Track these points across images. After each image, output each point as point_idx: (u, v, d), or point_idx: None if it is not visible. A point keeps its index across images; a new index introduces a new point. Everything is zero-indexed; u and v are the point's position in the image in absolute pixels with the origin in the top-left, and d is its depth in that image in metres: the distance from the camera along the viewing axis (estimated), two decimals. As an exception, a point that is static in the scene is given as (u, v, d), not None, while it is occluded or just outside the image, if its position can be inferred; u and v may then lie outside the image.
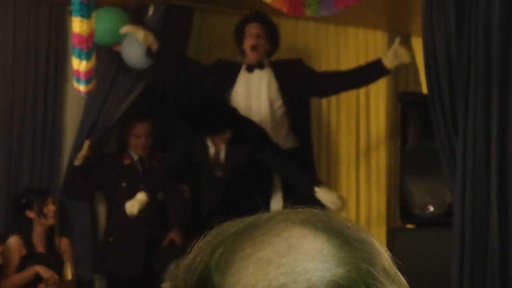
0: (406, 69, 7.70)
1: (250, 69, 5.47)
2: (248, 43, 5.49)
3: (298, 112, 5.53)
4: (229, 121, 5.20)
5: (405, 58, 5.18)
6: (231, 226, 0.89)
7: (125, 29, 5.54)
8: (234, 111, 5.28)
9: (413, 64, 7.60)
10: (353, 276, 0.82)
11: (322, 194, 5.02)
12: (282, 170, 5.28)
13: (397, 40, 5.25)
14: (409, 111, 5.31)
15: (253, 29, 5.46)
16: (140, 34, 5.42)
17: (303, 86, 5.41)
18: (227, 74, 5.59)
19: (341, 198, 5.14)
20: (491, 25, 4.00)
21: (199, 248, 0.88)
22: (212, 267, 0.84)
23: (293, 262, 0.82)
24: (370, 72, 5.42)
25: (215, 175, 5.44)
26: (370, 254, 0.84)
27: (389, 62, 5.19)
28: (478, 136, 4.05)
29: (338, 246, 0.84)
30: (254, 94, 5.44)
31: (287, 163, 5.25)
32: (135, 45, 5.64)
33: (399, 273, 0.87)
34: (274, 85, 5.49)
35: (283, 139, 5.51)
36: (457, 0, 4.19)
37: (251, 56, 5.48)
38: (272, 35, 5.44)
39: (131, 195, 5.51)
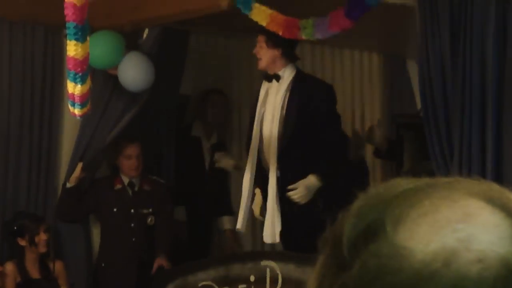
0: (401, 91, 7.72)
1: (267, 78, 5.41)
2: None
3: (292, 136, 5.43)
4: None
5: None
6: (405, 183, 0.89)
7: None
8: None
9: (408, 86, 7.63)
10: None
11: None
12: None
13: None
14: (404, 133, 5.31)
15: (256, 43, 5.42)
16: None
17: (304, 117, 5.30)
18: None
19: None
20: (485, 49, 4.02)
21: (369, 197, 0.88)
22: (386, 216, 0.84)
23: (469, 230, 0.82)
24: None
25: None
26: None
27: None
28: (473, 158, 4.06)
29: None
30: (269, 105, 5.38)
31: None
32: (132, 68, 5.65)
33: None
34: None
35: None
36: (452, 24, 4.21)
37: (259, 66, 5.45)
38: (272, 39, 5.31)
39: (122, 220, 5.50)
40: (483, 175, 4.02)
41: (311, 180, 5.11)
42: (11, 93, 5.82)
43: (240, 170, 5.80)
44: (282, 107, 5.28)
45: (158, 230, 5.79)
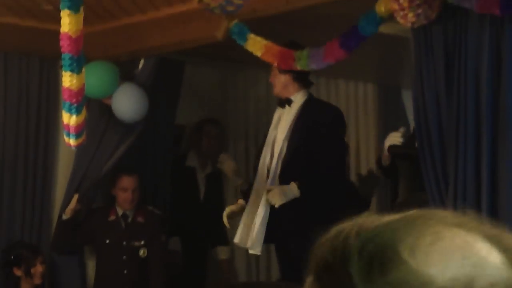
0: (397, 122, 7.73)
1: (280, 104, 5.43)
2: None
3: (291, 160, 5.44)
4: None
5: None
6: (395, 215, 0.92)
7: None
8: None
9: (403, 116, 7.64)
10: None
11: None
12: None
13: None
14: (399, 163, 5.31)
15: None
16: None
17: (308, 139, 5.31)
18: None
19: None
20: (480, 79, 4.03)
21: (366, 225, 0.90)
22: (397, 244, 0.86)
23: (477, 255, 0.86)
24: None
25: None
26: None
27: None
28: (468, 189, 4.05)
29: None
30: (280, 128, 5.41)
31: None
32: (126, 99, 5.66)
33: None
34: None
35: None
36: (446, 54, 4.23)
37: (274, 92, 5.46)
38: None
39: (114, 252, 5.48)
40: (478, 205, 4.02)
41: (290, 187, 5.11)
42: (6, 123, 5.83)
43: (239, 177, 5.78)
44: (289, 129, 5.30)
45: (151, 262, 5.74)
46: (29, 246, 5.64)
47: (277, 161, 5.29)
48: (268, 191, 5.09)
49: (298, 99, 5.35)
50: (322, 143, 5.24)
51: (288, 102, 5.34)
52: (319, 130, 5.25)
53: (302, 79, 5.35)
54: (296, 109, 5.31)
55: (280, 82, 5.34)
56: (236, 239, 5.27)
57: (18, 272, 5.46)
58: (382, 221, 0.90)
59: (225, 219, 5.48)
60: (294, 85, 5.34)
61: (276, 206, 5.05)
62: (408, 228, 0.88)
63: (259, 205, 5.20)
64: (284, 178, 5.22)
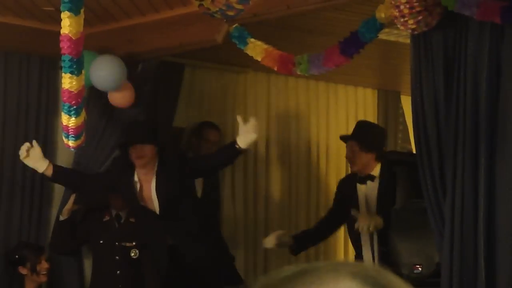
0: (396, 127, 7.74)
1: (361, 181, 5.59)
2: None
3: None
4: (153, 136, 5.42)
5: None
6: (281, 272, 0.94)
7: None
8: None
9: (402, 122, 7.65)
10: None
11: (241, 137, 5.19)
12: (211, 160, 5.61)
13: (239, 118, 5.26)
14: (398, 170, 5.32)
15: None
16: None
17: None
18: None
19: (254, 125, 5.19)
20: (479, 87, 4.03)
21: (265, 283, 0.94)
22: None
23: None
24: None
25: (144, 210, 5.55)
26: None
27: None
28: (466, 197, 4.06)
29: None
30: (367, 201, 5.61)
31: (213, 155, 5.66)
32: (101, 69, 5.56)
33: None
34: None
35: None
36: (446, 61, 4.23)
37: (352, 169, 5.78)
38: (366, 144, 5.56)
39: (108, 253, 5.48)
40: (475, 212, 4.02)
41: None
42: (5, 123, 5.82)
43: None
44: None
45: (143, 263, 5.70)
46: (32, 245, 5.68)
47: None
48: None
49: (377, 172, 5.52)
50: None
51: (371, 178, 5.49)
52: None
53: (382, 156, 5.52)
54: (378, 182, 5.47)
55: (362, 162, 5.49)
56: None
57: (23, 271, 5.49)
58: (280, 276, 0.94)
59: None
60: (375, 162, 5.50)
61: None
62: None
63: None
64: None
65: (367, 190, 5.48)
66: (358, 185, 5.52)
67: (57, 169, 5.50)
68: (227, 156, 5.49)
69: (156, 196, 5.54)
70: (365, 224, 5.17)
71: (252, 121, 5.21)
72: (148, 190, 5.54)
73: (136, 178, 5.52)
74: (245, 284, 6.27)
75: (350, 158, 5.55)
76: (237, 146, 5.24)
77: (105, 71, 5.46)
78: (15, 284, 5.50)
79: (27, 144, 5.38)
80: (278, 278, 0.93)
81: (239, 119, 5.26)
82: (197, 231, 5.86)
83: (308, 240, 5.96)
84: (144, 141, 5.42)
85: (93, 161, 5.91)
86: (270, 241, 5.76)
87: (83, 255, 6.06)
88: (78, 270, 6.00)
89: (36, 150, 5.34)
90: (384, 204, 5.32)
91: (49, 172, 5.41)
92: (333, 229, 6.02)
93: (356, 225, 5.21)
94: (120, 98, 5.66)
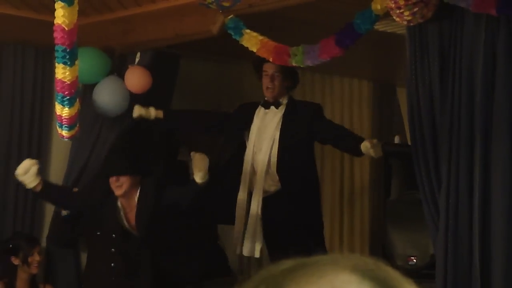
0: (391, 119, 7.74)
1: (266, 106, 5.57)
2: (264, 84, 5.56)
3: (292, 155, 5.51)
4: (130, 167, 5.33)
5: (376, 155, 5.22)
6: (280, 264, 0.95)
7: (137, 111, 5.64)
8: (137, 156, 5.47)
9: (398, 114, 7.64)
10: None
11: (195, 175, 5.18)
12: None
13: (375, 141, 5.27)
14: (393, 162, 5.31)
15: (269, 70, 5.49)
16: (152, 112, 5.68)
17: (303, 131, 5.44)
18: (247, 114, 5.71)
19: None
20: (475, 78, 4.03)
21: (247, 285, 0.94)
22: None
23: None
24: (352, 146, 5.46)
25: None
26: None
27: (365, 150, 5.22)
28: (460, 188, 4.06)
29: None
30: (265, 131, 5.51)
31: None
32: (107, 93, 5.65)
33: None
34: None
35: (271, 179, 5.53)
36: (441, 53, 4.22)
37: (267, 95, 5.58)
38: (288, 72, 5.45)
39: (104, 244, 5.46)
40: (470, 204, 4.02)
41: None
42: (0, 113, 5.81)
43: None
44: (277, 130, 5.51)
45: (138, 259, 5.68)
46: (27, 236, 5.67)
47: (263, 165, 5.50)
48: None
49: (285, 99, 5.62)
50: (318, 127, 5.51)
51: (276, 104, 5.57)
52: (308, 123, 5.51)
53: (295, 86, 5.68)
54: (283, 110, 5.55)
55: (282, 88, 5.56)
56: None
57: (15, 261, 5.49)
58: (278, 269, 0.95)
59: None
60: (285, 90, 5.60)
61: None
62: (275, 279, 0.93)
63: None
64: (284, 175, 5.43)
65: (267, 115, 5.59)
66: (261, 110, 5.62)
67: (46, 185, 5.33)
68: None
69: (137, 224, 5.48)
70: None
71: (195, 157, 5.21)
72: (132, 216, 5.47)
73: (119, 204, 5.45)
74: (234, 276, 6.26)
75: (270, 84, 5.57)
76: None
77: (108, 97, 5.57)
78: (8, 273, 5.50)
79: (27, 164, 5.26)
80: (277, 270, 0.94)
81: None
82: (184, 250, 5.86)
83: None
84: (120, 173, 5.31)
85: (92, 156, 5.90)
86: None
87: (80, 248, 6.06)
88: (75, 261, 6.00)
89: (33, 169, 5.22)
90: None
91: (38, 189, 5.32)
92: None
93: None
94: (136, 84, 5.75)
